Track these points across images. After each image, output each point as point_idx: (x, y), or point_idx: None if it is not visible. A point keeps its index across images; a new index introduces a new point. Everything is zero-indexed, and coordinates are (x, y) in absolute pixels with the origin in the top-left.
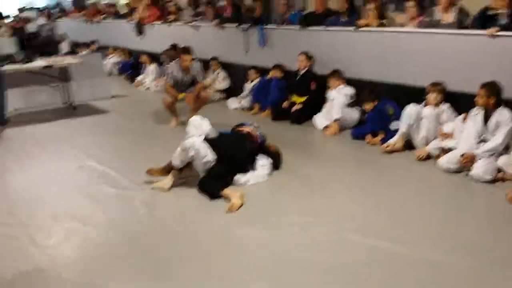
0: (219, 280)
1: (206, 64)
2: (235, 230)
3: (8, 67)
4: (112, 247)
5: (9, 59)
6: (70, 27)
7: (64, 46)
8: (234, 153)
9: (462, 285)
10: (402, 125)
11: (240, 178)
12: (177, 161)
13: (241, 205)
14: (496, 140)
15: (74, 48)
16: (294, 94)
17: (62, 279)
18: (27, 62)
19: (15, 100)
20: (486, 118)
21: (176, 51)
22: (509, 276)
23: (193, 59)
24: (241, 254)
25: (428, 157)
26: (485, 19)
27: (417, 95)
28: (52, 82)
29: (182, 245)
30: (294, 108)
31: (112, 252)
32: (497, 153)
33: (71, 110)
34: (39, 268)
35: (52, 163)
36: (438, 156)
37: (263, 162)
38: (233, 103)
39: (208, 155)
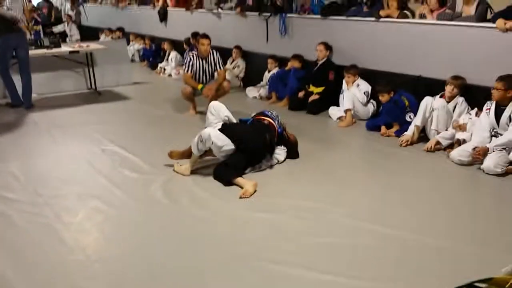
0: (233, 260)
1: (227, 53)
2: (249, 214)
3: (34, 52)
4: (132, 226)
5: (35, 43)
6: (94, 13)
7: (74, 33)
8: (251, 143)
9: (463, 270)
10: (417, 117)
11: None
12: (195, 150)
13: (254, 193)
14: (510, 135)
15: (96, 34)
16: (311, 84)
17: (85, 253)
18: (54, 47)
19: (40, 84)
20: (499, 112)
21: (195, 39)
22: (502, 262)
23: (212, 49)
24: (254, 237)
25: (438, 148)
26: (506, 14)
27: (435, 87)
28: (77, 67)
29: (197, 226)
30: (311, 98)
31: (131, 231)
32: (510, 147)
33: (95, 96)
34: (64, 243)
35: (76, 147)
36: (448, 147)
37: (279, 151)
38: (252, 92)
39: (226, 145)
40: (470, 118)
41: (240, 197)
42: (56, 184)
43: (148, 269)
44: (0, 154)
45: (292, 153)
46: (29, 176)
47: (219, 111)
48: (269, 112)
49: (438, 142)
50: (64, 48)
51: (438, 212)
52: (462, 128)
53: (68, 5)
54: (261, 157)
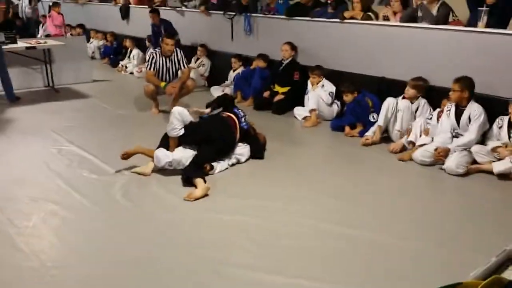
0: (197, 264)
1: (191, 51)
2: (214, 216)
3: None
4: (91, 231)
5: None
6: None
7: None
8: (216, 133)
9: (431, 272)
10: (380, 117)
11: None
12: (159, 166)
13: (202, 197)
14: (470, 135)
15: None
16: (277, 84)
17: (40, 260)
18: (9, 43)
19: None
20: (458, 113)
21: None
22: (470, 263)
23: (176, 45)
24: (218, 240)
25: (403, 150)
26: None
27: (398, 88)
28: (35, 64)
29: (160, 229)
30: (277, 98)
31: (90, 235)
32: (470, 147)
33: (53, 93)
34: (18, 248)
35: (32, 147)
36: (413, 149)
37: (241, 151)
38: (216, 91)
39: (191, 156)
40: (429, 122)
41: (185, 199)
42: (11, 186)
43: (107, 275)
44: None
45: (257, 153)
46: None
47: (183, 116)
48: (238, 110)
49: (403, 146)
50: (21, 44)
51: (402, 212)
52: (409, 132)
53: (26, 1)
54: (228, 147)
